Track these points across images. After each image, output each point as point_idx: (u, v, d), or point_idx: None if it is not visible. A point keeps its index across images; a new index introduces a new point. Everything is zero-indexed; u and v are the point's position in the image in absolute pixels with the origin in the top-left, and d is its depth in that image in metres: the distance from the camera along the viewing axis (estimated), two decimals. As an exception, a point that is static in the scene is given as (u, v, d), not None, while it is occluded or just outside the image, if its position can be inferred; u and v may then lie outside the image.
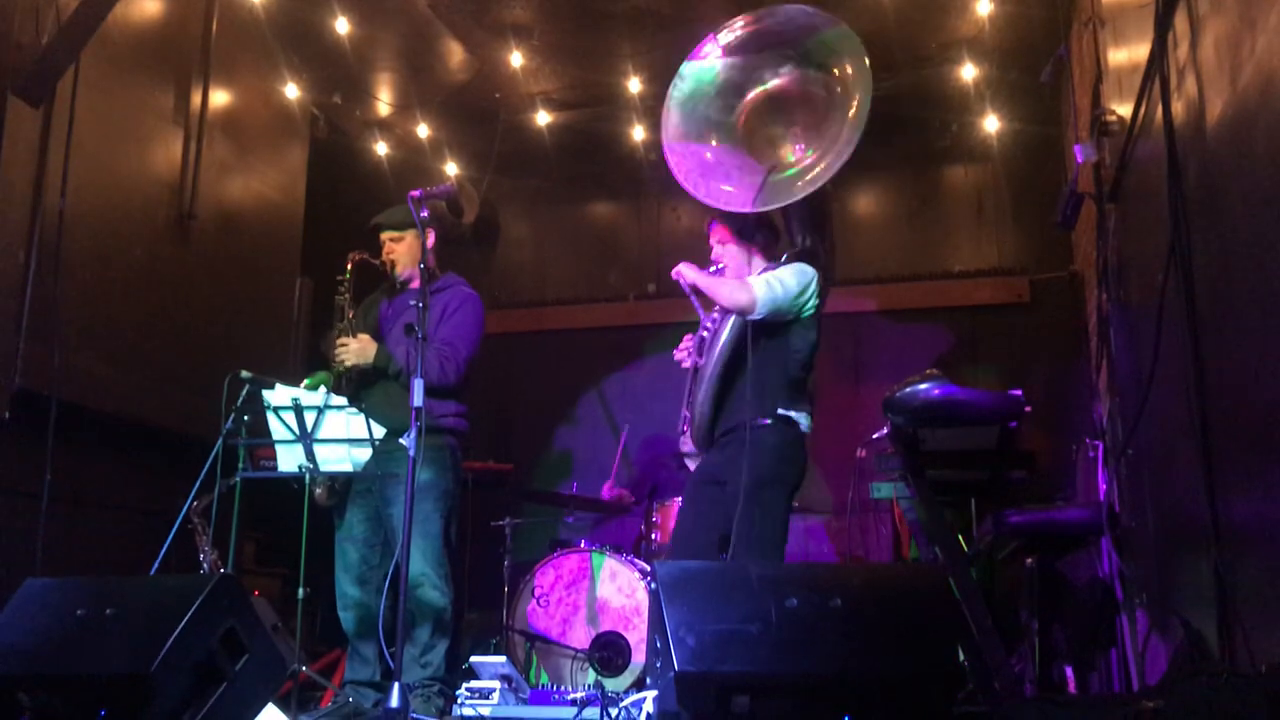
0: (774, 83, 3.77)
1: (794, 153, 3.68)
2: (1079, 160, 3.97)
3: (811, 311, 3.58)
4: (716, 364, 3.56)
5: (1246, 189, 2.21)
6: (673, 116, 3.72)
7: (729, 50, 3.76)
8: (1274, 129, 2.01)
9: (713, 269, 3.68)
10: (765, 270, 3.61)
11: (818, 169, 3.52)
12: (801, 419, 3.53)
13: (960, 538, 4.06)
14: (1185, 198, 2.62)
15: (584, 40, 5.54)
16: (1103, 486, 4.08)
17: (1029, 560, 3.88)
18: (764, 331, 3.51)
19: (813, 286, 3.54)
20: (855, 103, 3.56)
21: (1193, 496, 2.58)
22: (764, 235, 3.70)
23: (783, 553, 3.48)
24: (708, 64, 3.77)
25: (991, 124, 5.91)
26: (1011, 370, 5.67)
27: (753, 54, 3.74)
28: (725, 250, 3.70)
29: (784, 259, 3.63)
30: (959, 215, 6.34)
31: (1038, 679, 3.65)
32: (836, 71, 3.67)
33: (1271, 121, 2.02)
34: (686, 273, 3.59)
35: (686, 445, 3.75)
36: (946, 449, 3.54)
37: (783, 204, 3.55)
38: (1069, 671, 3.96)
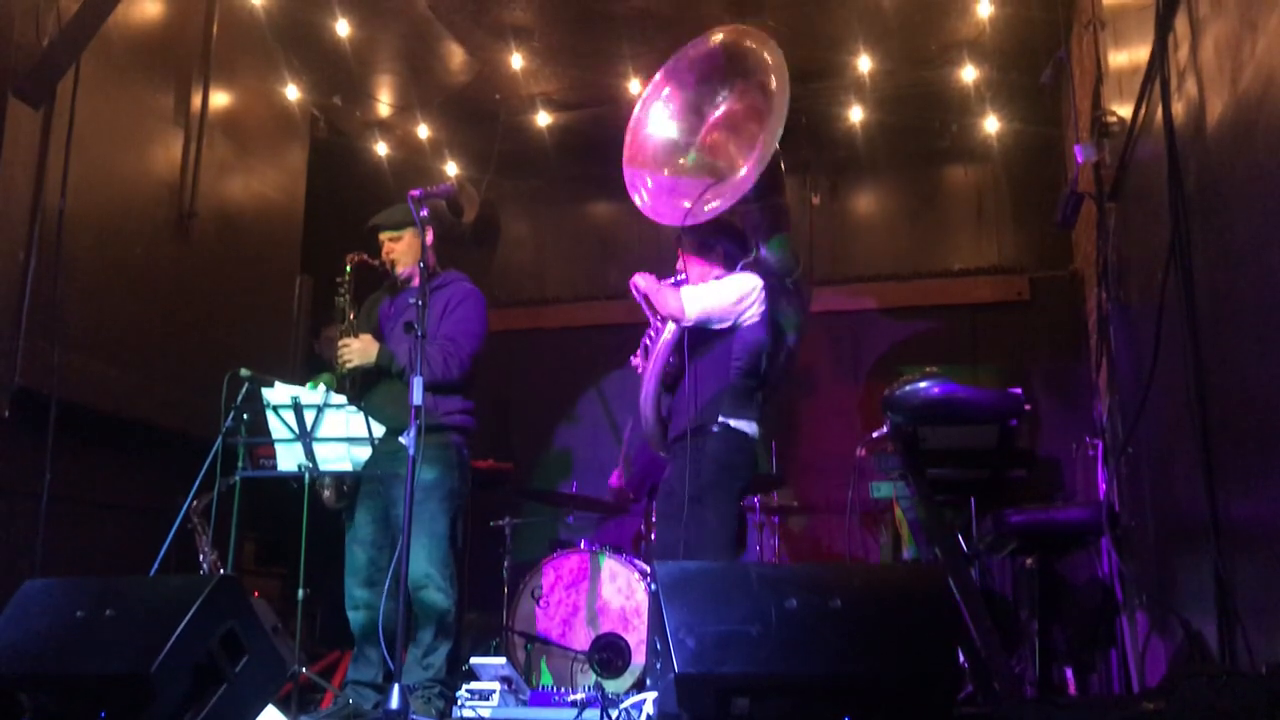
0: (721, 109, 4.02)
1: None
2: (1079, 160, 3.97)
3: (755, 319, 3.67)
4: (653, 370, 3.73)
5: (1246, 189, 2.21)
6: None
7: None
8: (1274, 130, 2.01)
9: (674, 279, 3.82)
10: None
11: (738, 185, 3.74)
12: (747, 426, 3.61)
13: (960, 538, 4.06)
14: (1185, 198, 2.62)
15: (584, 41, 5.54)
16: (1103, 486, 4.09)
17: (1029, 560, 3.88)
18: (699, 339, 3.64)
19: (754, 294, 3.65)
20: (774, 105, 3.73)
21: (1193, 496, 2.58)
22: (726, 245, 3.82)
23: (735, 553, 3.61)
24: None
25: (992, 124, 5.91)
26: (1011, 369, 5.67)
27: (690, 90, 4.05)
28: (687, 261, 3.85)
29: (739, 268, 3.78)
30: (959, 215, 6.34)
31: (1038, 680, 3.66)
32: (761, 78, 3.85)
33: (1271, 122, 2.02)
34: (639, 282, 3.72)
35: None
36: (946, 448, 3.54)
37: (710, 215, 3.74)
38: (1069, 673, 3.97)
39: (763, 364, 3.69)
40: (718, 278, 3.75)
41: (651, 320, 3.82)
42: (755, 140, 3.77)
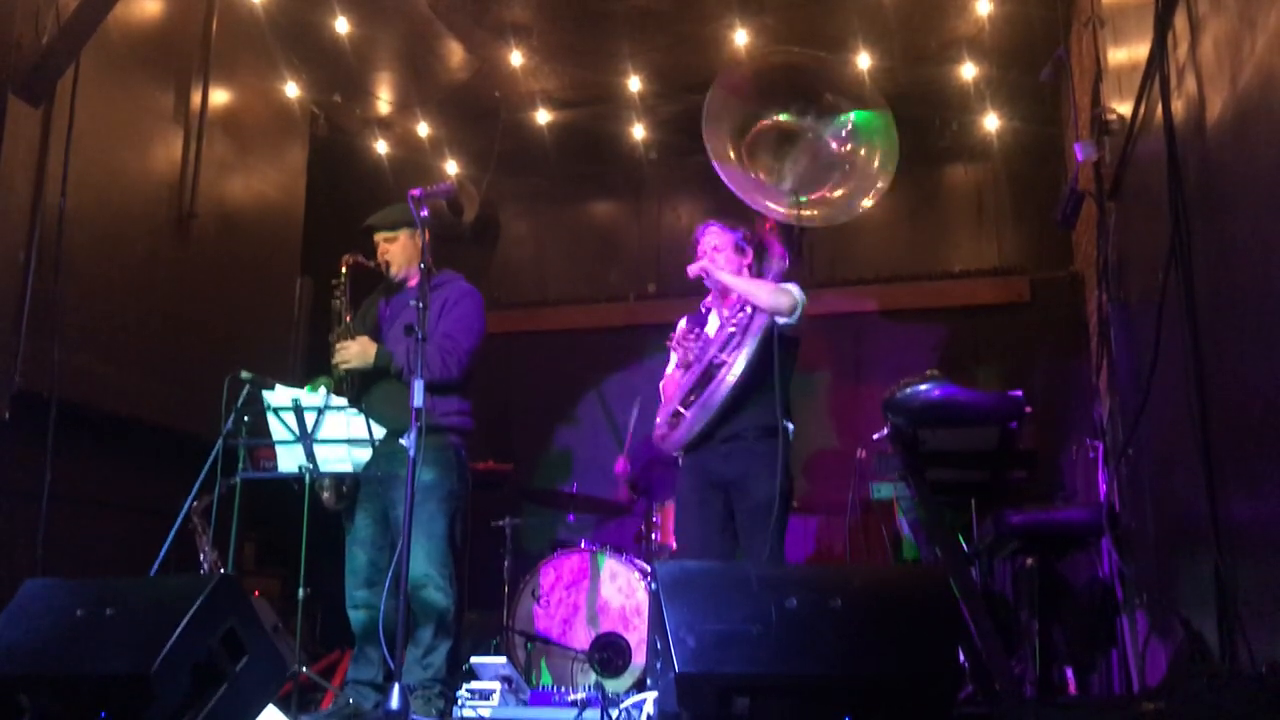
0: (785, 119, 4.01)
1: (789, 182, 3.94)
2: (1079, 159, 3.97)
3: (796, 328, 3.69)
4: (746, 366, 3.57)
5: (1246, 188, 2.21)
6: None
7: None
8: (1274, 128, 2.01)
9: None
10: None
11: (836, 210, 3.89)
12: (791, 429, 3.63)
13: (960, 538, 4.06)
14: (1185, 197, 2.62)
15: (584, 39, 5.54)
16: (1103, 486, 4.08)
17: (1029, 560, 3.87)
18: (785, 340, 3.58)
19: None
20: (874, 188, 3.92)
21: (1193, 496, 2.58)
22: (753, 250, 3.80)
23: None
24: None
25: (992, 123, 5.91)
26: (1011, 370, 5.67)
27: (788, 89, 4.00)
28: (720, 256, 3.77)
29: (770, 277, 3.75)
30: (959, 215, 6.34)
31: (1038, 680, 3.65)
32: (853, 148, 3.98)
33: (1271, 121, 2.02)
34: (713, 270, 3.67)
35: (666, 442, 3.76)
36: (947, 449, 3.54)
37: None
38: (1069, 672, 3.96)
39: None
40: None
41: (719, 310, 3.74)
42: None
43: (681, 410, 3.67)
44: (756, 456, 3.52)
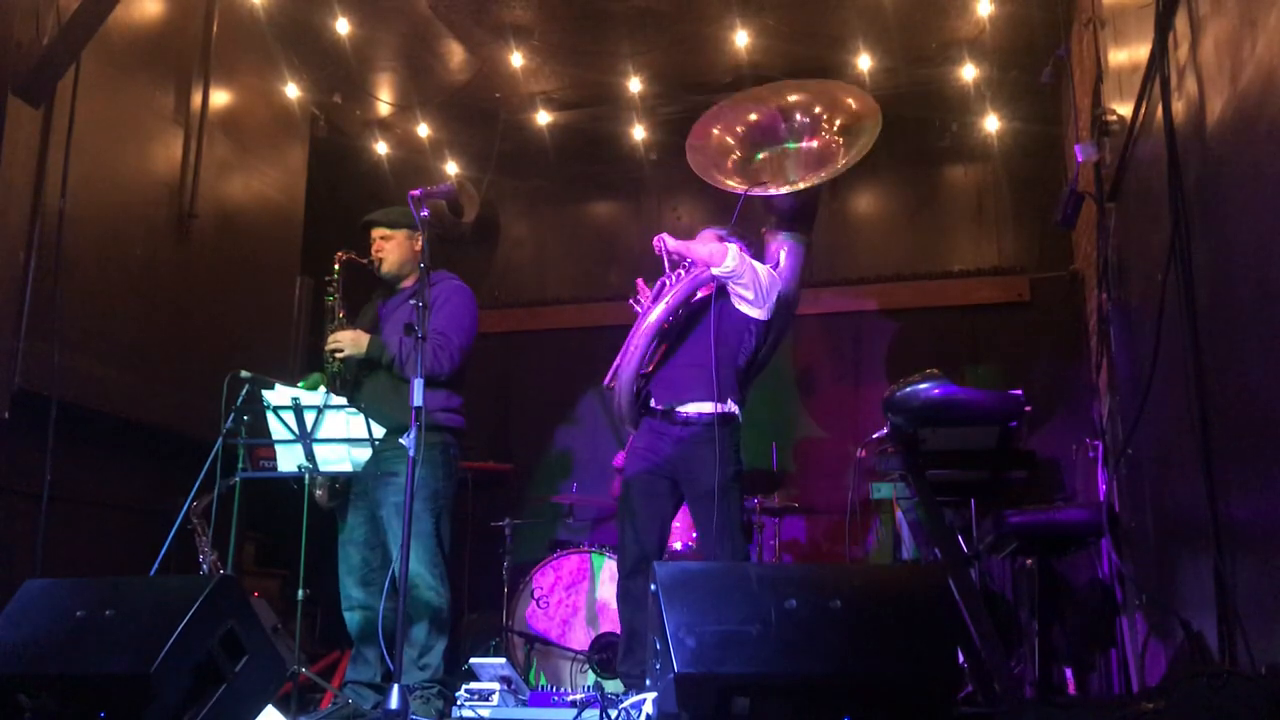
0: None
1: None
2: (1079, 159, 3.97)
3: (763, 320, 3.76)
4: (667, 307, 3.78)
5: (1246, 189, 2.21)
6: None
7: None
8: (1274, 129, 2.01)
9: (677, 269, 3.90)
10: None
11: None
12: (739, 412, 3.72)
13: (960, 538, 4.05)
14: (1185, 198, 2.62)
15: (584, 40, 5.54)
16: (1103, 486, 4.08)
17: (1029, 560, 3.87)
18: (723, 312, 3.71)
19: (773, 298, 3.77)
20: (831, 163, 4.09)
21: (1193, 497, 2.58)
22: (747, 246, 3.89)
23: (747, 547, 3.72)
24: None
25: (992, 124, 5.91)
26: (1011, 370, 5.67)
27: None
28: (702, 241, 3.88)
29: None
30: (959, 215, 6.34)
31: (1037, 680, 3.65)
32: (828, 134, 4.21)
33: (1272, 121, 2.02)
34: (666, 240, 3.84)
35: (616, 402, 3.89)
36: (946, 449, 3.54)
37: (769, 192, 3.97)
38: (1069, 673, 3.96)
39: (757, 357, 3.77)
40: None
41: (675, 282, 3.86)
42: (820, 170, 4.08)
43: (619, 361, 3.86)
44: (699, 445, 3.62)
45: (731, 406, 3.66)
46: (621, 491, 3.79)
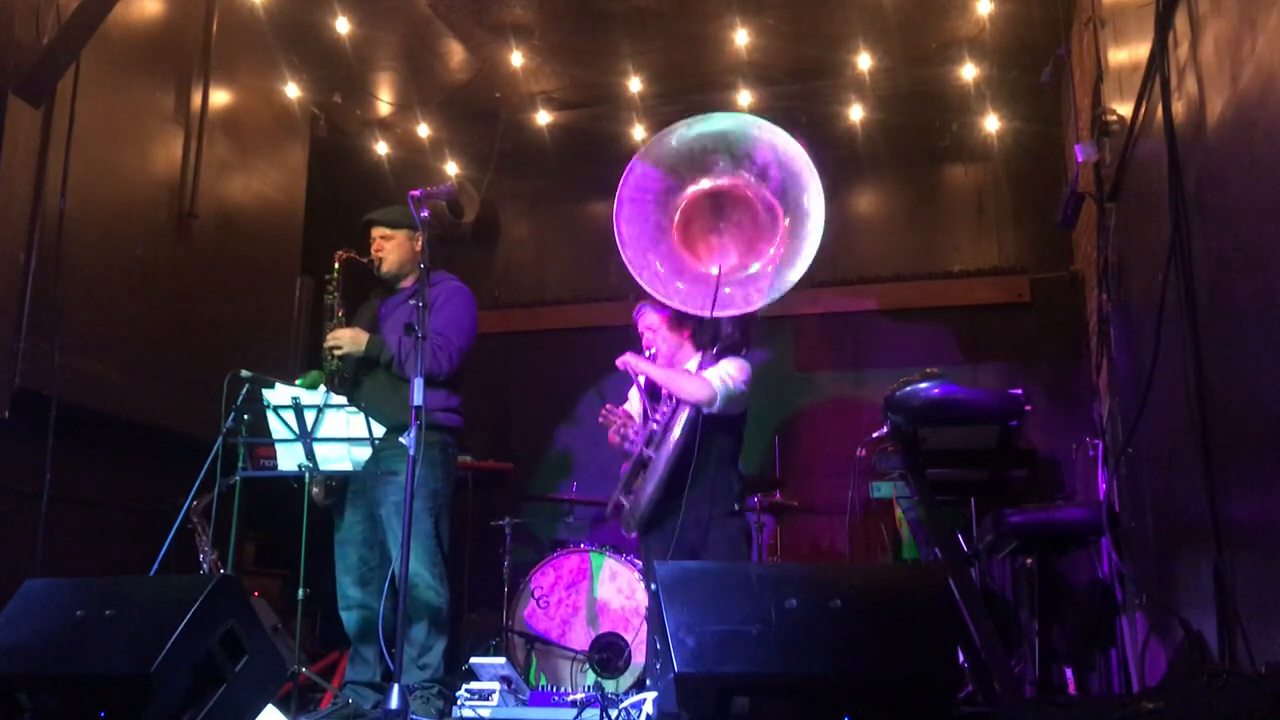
0: (712, 182, 3.81)
1: (734, 257, 3.75)
2: (1079, 159, 3.96)
3: (746, 408, 3.67)
4: (668, 461, 3.57)
5: (1247, 189, 2.20)
6: (624, 212, 3.85)
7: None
8: (1274, 128, 2.01)
9: (648, 354, 3.76)
10: (700, 359, 3.70)
11: (769, 286, 3.59)
12: (745, 511, 3.69)
13: (960, 538, 4.05)
14: (1185, 198, 2.62)
15: (584, 40, 5.54)
16: (1102, 486, 4.08)
17: (1029, 560, 3.87)
18: (716, 427, 3.58)
19: (750, 382, 3.62)
20: (807, 231, 3.60)
21: (1193, 496, 2.58)
22: (693, 323, 3.75)
23: None
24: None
25: (992, 123, 5.91)
26: (1011, 370, 5.67)
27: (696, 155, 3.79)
28: (657, 337, 3.78)
29: (715, 351, 3.71)
30: (959, 215, 6.34)
31: (1037, 680, 3.65)
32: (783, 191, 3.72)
33: (1272, 121, 2.02)
34: (636, 364, 3.67)
35: (619, 524, 3.81)
36: (946, 448, 3.54)
37: (737, 312, 3.62)
38: (1069, 673, 3.96)
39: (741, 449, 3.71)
40: (702, 356, 3.71)
41: (646, 403, 3.70)
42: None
43: (622, 501, 3.72)
44: (692, 549, 3.54)
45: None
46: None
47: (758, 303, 3.59)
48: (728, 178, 3.78)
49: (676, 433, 3.58)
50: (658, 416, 3.66)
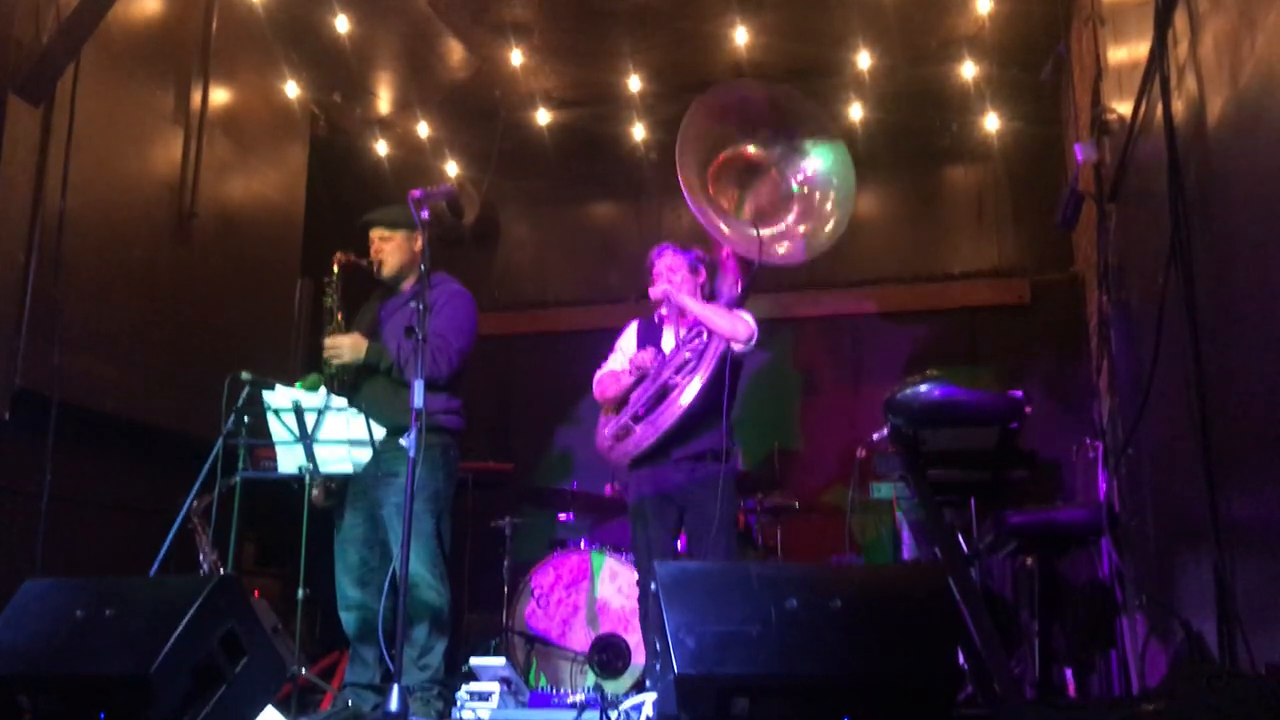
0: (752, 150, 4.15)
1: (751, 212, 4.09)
2: (1079, 159, 3.97)
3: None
4: (703, 387, 3.70)
5: (1247, 188, 2.20)
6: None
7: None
8: (1274, 128, 2.00)
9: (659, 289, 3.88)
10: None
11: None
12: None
13: (960, 538, 4.05)
14: (1185, 198, 2.62)
15: (584, 39, 5.54)
16: (1103, 487, 4.08)
17: (1029, 560, 3.87)
18: (735, 365, 3.73)
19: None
20: (828, 228, 4.05)
21: (1193, 496, 2.58)
22: (707, 272, 3.94)
23: None
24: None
25: (992, 123, 5.90)
26: (1012, 371, 5.66)
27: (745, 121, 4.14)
28: (676, 277, 3.89)
29: (722, 301, 3.87)
30: (959, 215, 6.33)
31: (1037, 681, 3.65)
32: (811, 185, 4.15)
33: (1272, 120, 2.02)
34: (675, 295, 3.80)
35: (613, 453, 3.85)
36: (947, 449, 3.54)
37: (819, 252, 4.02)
38: (1069, 673, 3.96)
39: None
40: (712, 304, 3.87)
41: (677, 333, 3.81)
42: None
43: (631, 425, 3.77)
44: (710, 478, 3.65)
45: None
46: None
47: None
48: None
49: (710, 362, 3.71)
50: (690, 345, 3.78)
